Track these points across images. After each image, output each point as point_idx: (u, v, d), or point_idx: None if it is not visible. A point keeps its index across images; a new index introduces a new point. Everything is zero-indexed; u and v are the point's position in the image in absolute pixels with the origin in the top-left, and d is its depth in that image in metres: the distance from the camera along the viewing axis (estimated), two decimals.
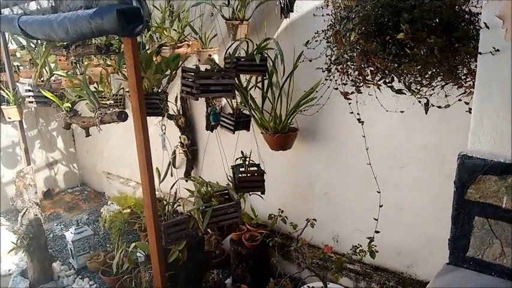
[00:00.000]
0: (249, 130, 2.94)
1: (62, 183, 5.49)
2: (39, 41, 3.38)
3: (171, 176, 3.41)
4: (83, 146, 5.37)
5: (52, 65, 3.60)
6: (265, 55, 2.63)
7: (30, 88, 3.45)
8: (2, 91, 3.62)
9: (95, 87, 3.36)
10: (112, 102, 3.05)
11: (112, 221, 3.70)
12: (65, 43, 2.86)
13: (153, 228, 2.15)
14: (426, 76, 1.41)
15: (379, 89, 1.51)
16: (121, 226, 3.58)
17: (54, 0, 2.50)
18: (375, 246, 2.26)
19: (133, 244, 2.84)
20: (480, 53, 1.22)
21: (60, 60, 3.53)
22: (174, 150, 3.68)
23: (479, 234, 1.31)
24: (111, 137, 4.58)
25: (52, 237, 4.31)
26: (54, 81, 3.58)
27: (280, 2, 2.63)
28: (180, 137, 3.67)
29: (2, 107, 3.65)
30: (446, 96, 1.46)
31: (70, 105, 3.09)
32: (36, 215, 3.49)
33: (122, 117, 2.54)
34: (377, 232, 2.08)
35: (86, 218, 4.66)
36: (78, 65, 3.53)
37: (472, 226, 1.31)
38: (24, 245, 3.40)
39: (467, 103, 1.41)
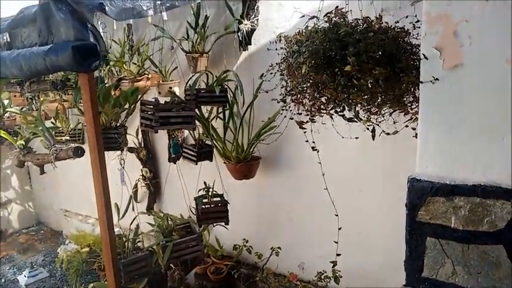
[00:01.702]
0: (211, 160, 2.93)
1: (16, 223, 5.19)
2: None
3: (133, 210, 3.31)
4: (39, 183, 5.14)
5: (6, 101, 3.48)
6: (225, 86, 2.68)
7: None
8: None
9: (52, 123, 3.26)
10: (68, 137, 2.97)
11: (70, 261, 3.51)
12: (19, 79, 2.78)
13: (111, 267, 2.06)
14: (375, 104, 1.49)
15: (332, 118, 1.57)
16: (79, 266, 3.40)
17: (8, 35, 2.45)
18: (339, 271, 2.28)
19: (92, 285, 2.71)
20: (421, 82, 1.31)
21: (15, 96, 3.42)
22: (136, 184, 3.59)
23: (432, 255, 1.35)
24: (69, 173, 4.41)
25: (4, 282, 4.02)
26: (8, 118, 3.45)
27: (239, 36, 2.71)
28: (141, 170, 3.60)
29: None
30: (394, 122, 1.54)
31: (24, 143, 2.98)
32: None
33: (78, 153, 2.47)
34: (338, 255, 2.10)
35: (42, 259, 4.39)
36: (33, 100, 3.43)
37: (425, 247, 1.36)
38: None
39: (414, 129, 1.49)
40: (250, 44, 2.80)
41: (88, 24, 1.96)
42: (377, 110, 1.50)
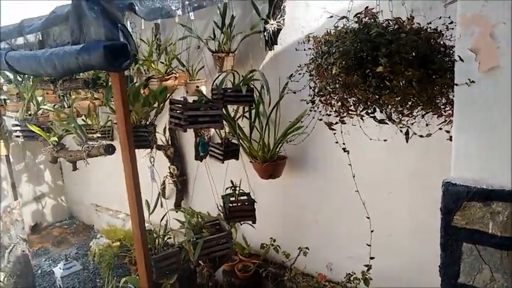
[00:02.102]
0: (237, 159, 2.95)
1: (50, 217, 5.39)
2: (26, 75, 3.40)
3: (161, 207, 3.38)
4: (71, 178, 5.31)
5: (39, 99, 3.60)
6: (252, 86, 2.68)
7: (17, 123, 3.44)
8: None
9: (82, 120, 3.36)
10: (99, 135, 3.05)
11: (101, 255, 3.62)
12: (52, 78, 2.87)
13: (143, 263, 2.11)
14: (407, 106, 1.45)
15: (362, 119, 1.54)
16: (111, 260, 3.50)
17: (41, 34, 2.53)
18: (369, 273, 2.25)
19: (124, 279, 2.78)
20: (456, 85, 1.27)
21: (47, 93, 3.54)
22: (164, 181, 3.66)
23: (469, 261, 1.32)
24: (99, 168, 4.54)
25: (40, 273, 4.19)
26: (41, 114, 3.57)
27: (265, 36, 2.70)
28: (169, 167, 3.66)
29: None
30: (427, 125, 1.50)
31: (57, 139, 3.08)
32: (23, 251, 3.42)
33: (109, 150, 2.54)
34: (372, 258, 2.08)
35: (75, 252, 4.55)
36: (65, 98, 3.55)
37: (461, 252, 1.33)
38: (11, 283, 3.30)
39: (447, 131, 1.45)
40: (276, 44, 2.79)
41: (119, 24, 2.00)
42: (409, 111, 1.47)
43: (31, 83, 3.43)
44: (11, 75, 3.83)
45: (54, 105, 3.47)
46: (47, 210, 5.36)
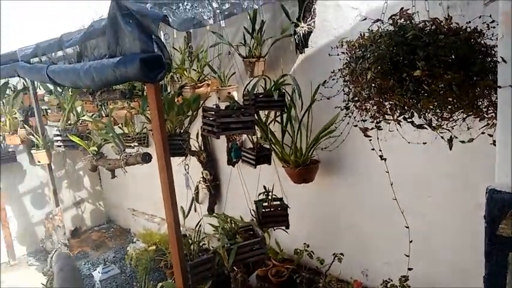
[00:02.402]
0: (270, 164, 2.95)
1: (89, 221, 5.59)
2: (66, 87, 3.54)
3: (195, 211, 3.43)
4: (109, 183, 5.48)
5: (78, 109, 3.75)
6: (283, 90, 2.68)
7: (58, 133, 3.59)
8: (32, 136, 3.79)
9: (119, 127, 3.47)
10: (136, 143, 3.14)
11: (138, 259, 3.71)
12: (91, 89, 2.98)
13: (179, 269, 2.15)
14: (447, 110, 1.41)
15: (400, 124, 1.51)
16: (147, 264, 3.58)
17: (79, 47, 2.62)
18: (408, 280, 2.19)
19: (160, 284, 2.84)
20: (499, 87, 1.22)
21: (86, 103, 3.68)
22: (197, 186, 3.71)
23: None
24: (136, 174, 4.66)
25: (80, 276, 4.35)
26: (81, 123, 3.72)
27: (295, 39, 2.69)
28: (202, 172, 3.71)
29: (32, 151, 3.81)
30: (468, 128, 1.44)
31: (96, 149, 3.19)
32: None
33: (146, 159, 2.61)
34: (410, 269, 2.02)
35: (113, 256, 4.69)
36: (103, 107, 3.68)
37: (508, 263, 1.27)
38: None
39: (490, 135, 1.39)
40: (307, 47, 2.78)
41: (153, 36, 2.06)
42: (449, 115, 1.42)
43: (71, 94, 3.57)
44: (51, 87, 4.01)
45: (92, 115, 3.60)
46: (86, 215, 5.57)
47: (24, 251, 4.95)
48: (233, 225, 2.74)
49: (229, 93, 2.94)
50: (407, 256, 1.98)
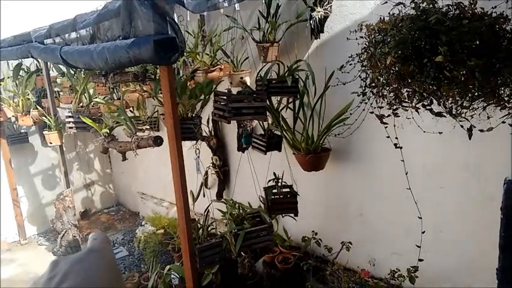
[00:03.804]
0: (280, 151, 2.93)
1: (99, 204, 5.65)
2: (78, 69, 3.54)
3: (204, 196, 3.44)
4: (119, 167, 5.53)
5: (91, 91, 3.76)
6: (297, 76, 2.64)
7: (70, 114, 3.60)
8: (44, 117, 3.81)
9: (131, 111, 3.47)
10: (148, 126, 3.14)
11: (146, 242, 3.75)
12: (104, 71, 2.98)
13: (188, 252, 2.16)
14: (467, 98, 1.37)
15: (418, 112, 1.47)
16: (155, 247, 3.62)
17: (92, 29, 2.61)
18: (416, 274, 2.17)
19: (168, 267, 2.86)
20: None
21: (98, 85, 3.68)
22: (206, 171, 3.72)
23: None
24: (146, 158, 4.69)
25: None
26: (92, 106, 3.73)
27: (311, 24, 2.64)
28: (212, 158, 3.71)
29: (44, 132, 3.84)
30: (488, 117, 1.40)
31: (108, 131, 3.20)
32: (74, 236, 3.60)
33: (158, 142, 2.61)
34: (420, 260, 2.00)
35: (121, 238, 4.75)
36: (115, 90, 3.67)
37: None
38: None
39: (511, 125, 1.35)
40: (323, 32, 2.72)
41: (167, 18, 2.03)
42: (469, 103, 1.38)
43: (83, 76, 3.57)
44: (64, 69, 4.02)
45: (104, 98, 3.60)
46: (96, 197, 5.63)
47: (35, 231, 5.04)
48: (241, 211, 2.74)
49: (241, 78, 2.91)
50: (419, 247, 1.96)
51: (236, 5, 2.73)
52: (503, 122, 1.37)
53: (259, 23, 2.83)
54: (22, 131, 4.79)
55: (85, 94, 3.67)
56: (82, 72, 3.63)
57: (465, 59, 1.24)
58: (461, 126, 1.39)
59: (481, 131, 1.41)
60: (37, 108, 4.06)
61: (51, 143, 3.74)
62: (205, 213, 2.73)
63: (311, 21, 2.64)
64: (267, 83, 2.60)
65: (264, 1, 2.76)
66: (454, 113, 1.37)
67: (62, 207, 3.70)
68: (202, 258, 2.35)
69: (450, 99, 1.36)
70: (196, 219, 2.84)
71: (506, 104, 1.39)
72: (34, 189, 5.04)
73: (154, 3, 1.99)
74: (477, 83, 1.27)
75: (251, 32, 2.86)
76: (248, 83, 2.84)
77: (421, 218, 1.92)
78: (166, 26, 2.03)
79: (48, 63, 3.74)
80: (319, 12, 2.59)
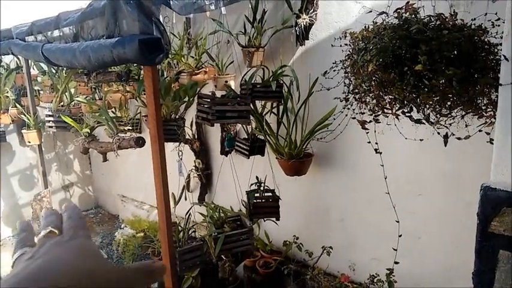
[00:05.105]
0: (263, 155, 2.94)
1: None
2: (60, 67, 3.48)
3: (185, 199, 3.42)
4: (99, 168, 5.44)
5: (72, 90, 3.69)
6: (281, 82, 2.66)
7: (50, 113, 3.53)
8: (23, 115, 3.72)
9: (112, 112, 3.43)
10: (130, 127, 3.10)
11: (126, 245, 3.69)
12: (86, 70, 2.94)
13: (168, 255, 2.14)
14: (445, 106, 1.41)
15: (398, 119, 1.51)
16: (135, 250, 3.57)
17: (75, 27, 2.57)
18: (393, 276, 2.21)
19: None
20: (501, 84, 1.22)
21: (80, 85, 3.63)
22: (189, 174, 3.69)
23: (505, 269, 1.27)
24: (127, 160, 4.63)
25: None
26: (73, 106, 3.66)
27: (296, 30, 2.68)
28: (194, 161, 3.69)
29: (22, 131, 3.75)
30: (466, 126, 1.45)
31: (89, 131, 3.15)
32: None
33: (140, 143, 2.58)
34: (396, 263, 2.03)
35: (100, 241, 4.66)
36: (97, 90, 3.62)
37: (497, 260, 1.28)
38: None
39: (488, 133, 1.40)
40: (308, 39, 2.76)
41: (153, 18, 2.02)
42: (448, 112, 1.42)
43: (65, 75, 3.51)
44: (45, 67, 3.95)
45: (86, 97, 3.55)
46: (75, 199, 5.50)
47: (10, 233, 4.90)
48: (221, 214, 2.74)
49: (226, 81, 2.92)
50: (395, 250, 1.99)
51: (222, 9, 2.74)
52: (480, 131, 1.41)
53: (245, 28, 2.84)
54: (0, 129, 4.67)
55: (66, 93, 3.61)
56: (64, 71, 3.57)
57: (443, 69, 1.28)
58: (438, 133, 1.43)
59: (459, 138, 1.45)
60: (16, 107, 3.96)
61: (29, 142, 3.66)
62: (187, 216, 2.71)
63: (296, 28, 2.67)
64: (251, 87, 2.61)
65: (250, 6, 2.78)
66: (431, 120, 1.41)
67: (39, 208, 3.61)
68: (183, 262, 2.33)
69: (429, 107, 1.40)
70: (177, 222, 2.81)
71: (483, 112, 1.44)
72: (11, 189, 4.90)
73: (140, 3, 1.98)
74: (455, 91, 1.31)
75: (237, 37, 2.87)
76: (233, 87, 2.85)
77: (398, 221, 1.96)
78: (152, 26, 2.02)
79: (29, 60, 3.67)
80: (304, 19, 2.62)
